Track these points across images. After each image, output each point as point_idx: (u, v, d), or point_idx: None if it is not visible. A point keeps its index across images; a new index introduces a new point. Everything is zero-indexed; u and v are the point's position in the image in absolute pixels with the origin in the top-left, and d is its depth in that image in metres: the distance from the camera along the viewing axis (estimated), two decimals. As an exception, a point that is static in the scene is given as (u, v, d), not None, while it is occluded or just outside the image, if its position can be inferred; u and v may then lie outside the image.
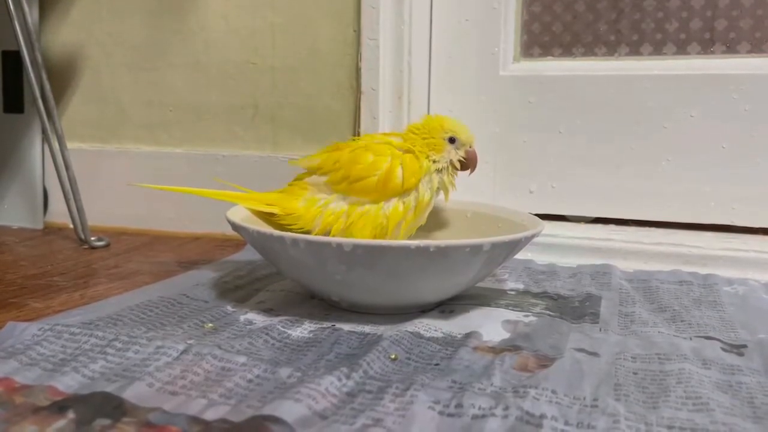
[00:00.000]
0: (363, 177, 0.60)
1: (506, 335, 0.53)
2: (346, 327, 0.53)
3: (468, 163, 0.64)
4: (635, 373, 0.45)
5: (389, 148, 0.62)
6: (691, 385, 0.42)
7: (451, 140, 0.63)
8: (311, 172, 0.64)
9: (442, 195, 0.65)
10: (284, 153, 0.91)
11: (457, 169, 0.64)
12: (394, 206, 0.61)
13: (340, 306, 0.58)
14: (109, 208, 0.97)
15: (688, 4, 0.82)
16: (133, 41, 0.96)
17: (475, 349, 0.49)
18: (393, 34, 0.84)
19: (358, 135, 0.86)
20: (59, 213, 0.95)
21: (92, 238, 0.86)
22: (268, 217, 0.63)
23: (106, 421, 0.36)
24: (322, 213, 0.61)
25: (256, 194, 0.65)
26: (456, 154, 0.64)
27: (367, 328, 0.53)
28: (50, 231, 0.96)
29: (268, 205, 0.63)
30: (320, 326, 0.54)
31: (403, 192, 0.61)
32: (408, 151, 0.62)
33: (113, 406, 0.38)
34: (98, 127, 0.99)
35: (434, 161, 0.63)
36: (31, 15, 0.87)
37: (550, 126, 0.85)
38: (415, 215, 0.62)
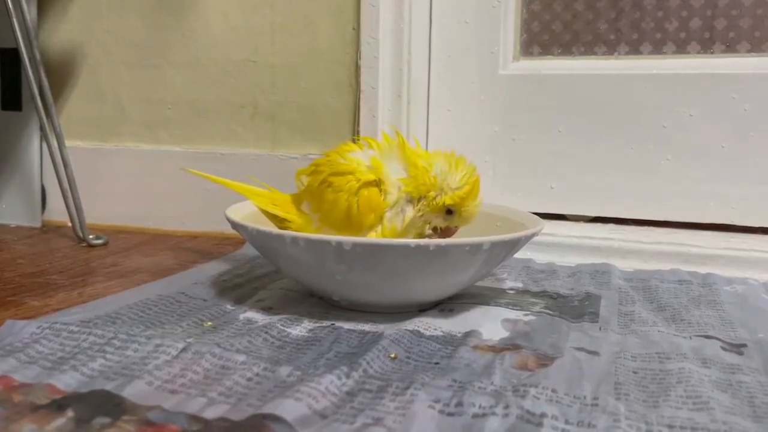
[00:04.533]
0: (329, 213, 0.59)
1: (506, 334, 0.52)
2: (346, 326, 0.53)
3: (441, 233, 0.60)
4: (635, 372, 0.45)
5: (351, 181, 0.57)
6: (691, 384, 0.42)
7: (449, 212, 0.59)
8: (301, 197, 0.63)
9: None
10: (283, 151, 0.91)
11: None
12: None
13: (339, 305, 0.58)
14: (108, 206, 0.97)
15: (687, 3, 0.82)
16: (133, 39, 0.96)
17: (475, 347, 0.49)
18: (393, 32, 0.84)
19: (358, 133, 0.85)
20: (57, 211, 0.95)
21: (90, 237, 0.86)
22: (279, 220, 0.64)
23: (106, 420, 0.36)
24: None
25: (268, 192, 0.65)
26: (442, 222, 0.59)
27: (366, 327, 0.53)
28: (48, 229, 0.96)
29: (274, 205, 0.63)
30: (320, 325, 0.54)
31: (367, 229, 0.58)
32: (367, 182, 0.57)
33: (113, 405, 0.38)
34: (97, 125, 0.99)
35: (420, 213, 0.58)
36: (30, 12, 0.87)
37: (550, 125, 0.85)
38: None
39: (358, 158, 0.59)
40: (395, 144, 0.60)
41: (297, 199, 0.64)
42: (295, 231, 0.61)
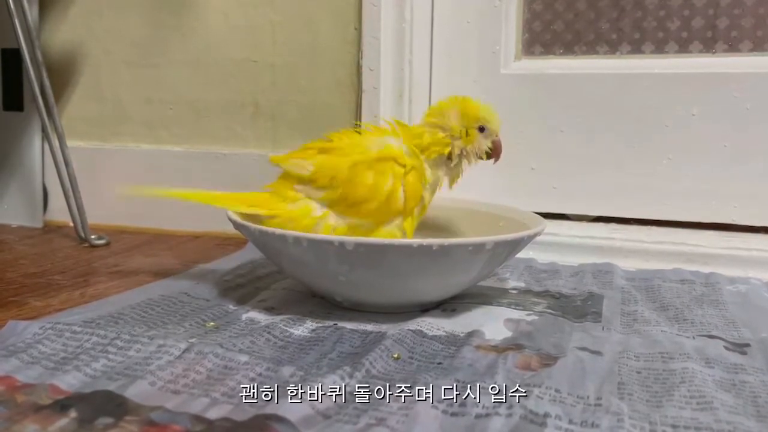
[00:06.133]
0: (364, 200, 0.57)
1: (508, 334, 0.52)
2: (349, 326, 0.53)
3: (493, 153, 0.63)
4: (638, 372, 0.45)
5: (391, 166, 0.58)
6: (694, 384, 0.42)
7: (482, 129, 0.62)
8: (301, 181, 0.59)
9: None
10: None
11: (481, 159, 0.63)
12: (392, 229, 0.59)
13: (342, 305, 0.58)
14: (109, 206, 0.96)
15: (689, 2, 0.81)
16: (133, 38, 0.96)
17: (478, 347, 0.49)
18: (394, 32, 0.84)
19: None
20: (59, 211, 0.95)
21: (92, 237, 0.86)
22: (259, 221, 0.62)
23: (108, 420, 0.36)
24: (319, 225, 0.58)
25: (241, 195, 0.61)
26: (484, 144, 0.62)
27: (369, 327, 0.53)
28: (50, 229, 0.95)
29: (251, 206, 0.59)
30: (322, 325, 0.53)
31: (407, 215, 0.59)
32: (411, 168, 0.58)
33: (115, 405, 0.38)
34: (98, 125, 0.99)
35: (462, 153, 0.61)
36: (31, 13, 0.87)
37: (552, 124, 0.85)
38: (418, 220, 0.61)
39: (399, 145, 0.60)
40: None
41: (281, 188, 0.60)
42: (287, 222, 0.57)
